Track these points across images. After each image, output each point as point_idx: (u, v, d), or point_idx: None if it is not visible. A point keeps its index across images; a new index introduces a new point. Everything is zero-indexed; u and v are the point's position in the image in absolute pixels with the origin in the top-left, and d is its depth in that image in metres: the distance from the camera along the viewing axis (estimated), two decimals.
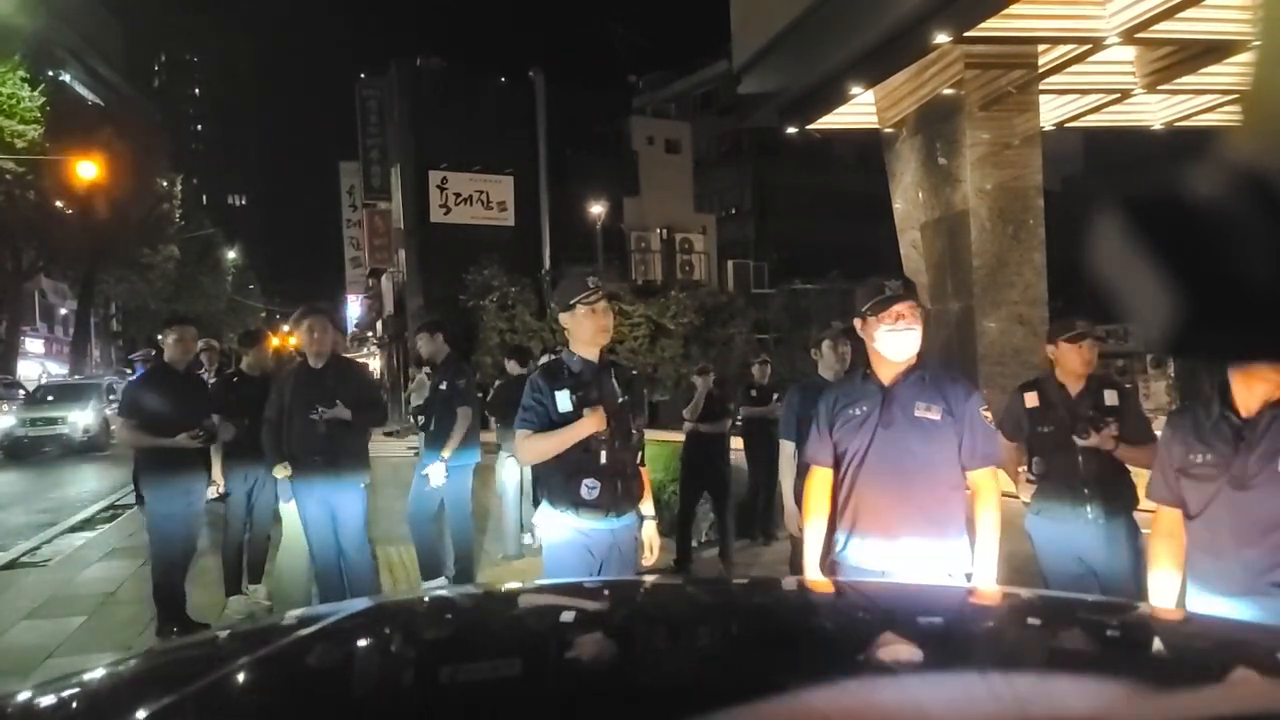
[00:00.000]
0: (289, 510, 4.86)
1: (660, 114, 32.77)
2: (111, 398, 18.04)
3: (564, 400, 3.17)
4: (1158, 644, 1.43)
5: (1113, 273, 0.62)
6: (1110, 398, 3.57)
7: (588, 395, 3.19)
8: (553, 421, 3.17)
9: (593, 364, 3.26)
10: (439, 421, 5.79)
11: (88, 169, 19.94)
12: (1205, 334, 0.60)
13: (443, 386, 5.86)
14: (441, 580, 5.76)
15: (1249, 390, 2.36)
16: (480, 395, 6.88)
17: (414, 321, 21.19)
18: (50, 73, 24.75)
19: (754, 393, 7.63)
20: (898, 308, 2.68)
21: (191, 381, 5.19)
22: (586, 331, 3.23)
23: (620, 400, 3.25)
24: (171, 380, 5.01)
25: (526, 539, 7.12)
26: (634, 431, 3.33)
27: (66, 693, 1.22)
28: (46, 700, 1.19)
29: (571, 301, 3.20)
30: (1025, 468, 3.71)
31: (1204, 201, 0.59)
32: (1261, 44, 0.63)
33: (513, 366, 7.51)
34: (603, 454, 3.17)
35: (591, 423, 3.12)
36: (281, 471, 4.73)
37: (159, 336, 5.26)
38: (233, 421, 5.62)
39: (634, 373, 3.53)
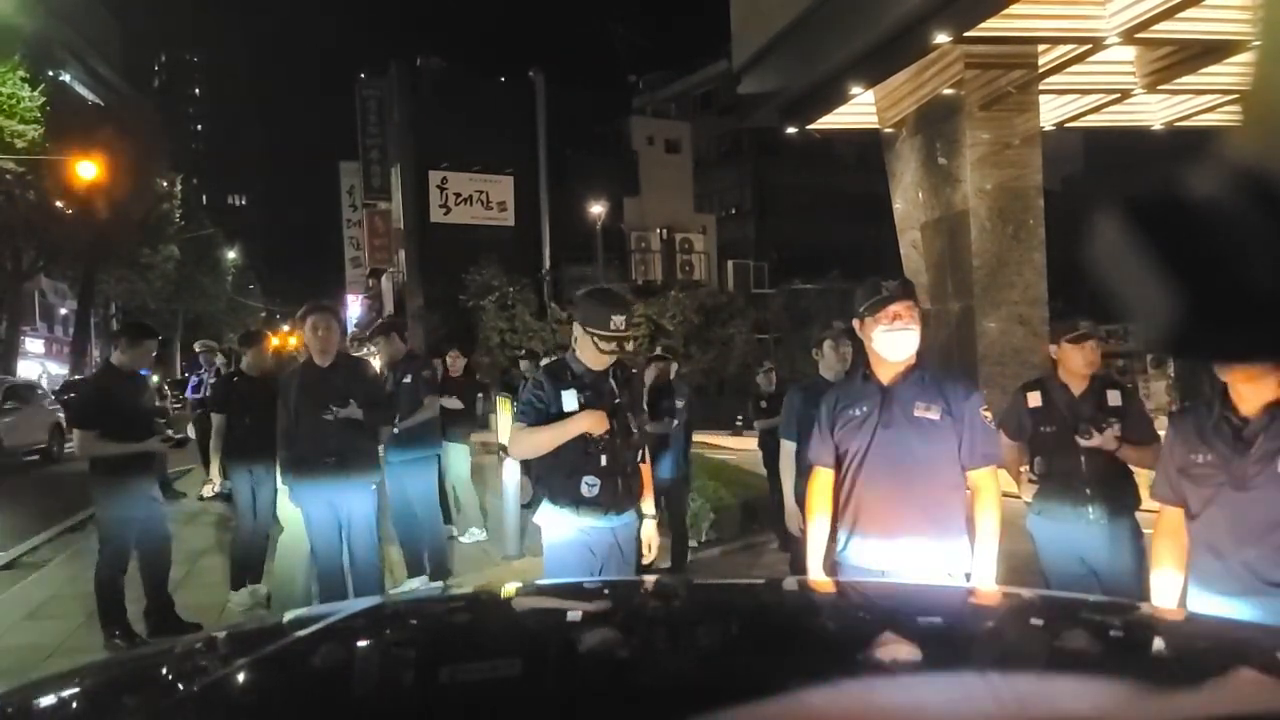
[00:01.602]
0: (289, 512, 4.85)
1: (660, 114, 32.77)
2: (10, 405, 14.52)
3: (570, 399, 3.18)
4: (1158, 644, 1.43)
5: (1113, 272, 0.62)
6: (1113, 398, 3.56)
7: (592, 396, 3.20)
8: (551, 419, 3.18)
9: (594, 367, 3.27)
10: (404, 418, 5.73)
11: (88, 169, 19.92)
12: (1205, 334, 0.60)
13: (406, 380, 5.85)
14: (423, 579, 5.74)
15: (1249, 390, 2.36)
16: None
17: (414, 322, 21.19)
18: (50, 73, 24.72)
19: (764, 404, 7.42)
20: (894, 308, 2.69)
21: (138, 383, 5.09)
22: (588, 354, 3.24)
23: (618, 401, 3.25)
24: (122, 384, 4.90)
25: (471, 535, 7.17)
26: (634, 431, 3.33)
27: (66, 693, 1.22)
28: (46, 700, 1.19)
29: (588, 328, 3.20)
30: (1027, 467, 3.70)
31: (1204, 201, 0.59)
32: (1261, 44, 0.63)
33: (459, 365, 7.45)
34: (603, 454, 3.17)
35: (587, 421, 3.12)
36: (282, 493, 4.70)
37: (122, 339, 5.11)
38: (234, 421, 5.64)
39: (634, 371, 3.53)
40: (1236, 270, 0.58)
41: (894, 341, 2.71)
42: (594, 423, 3.13)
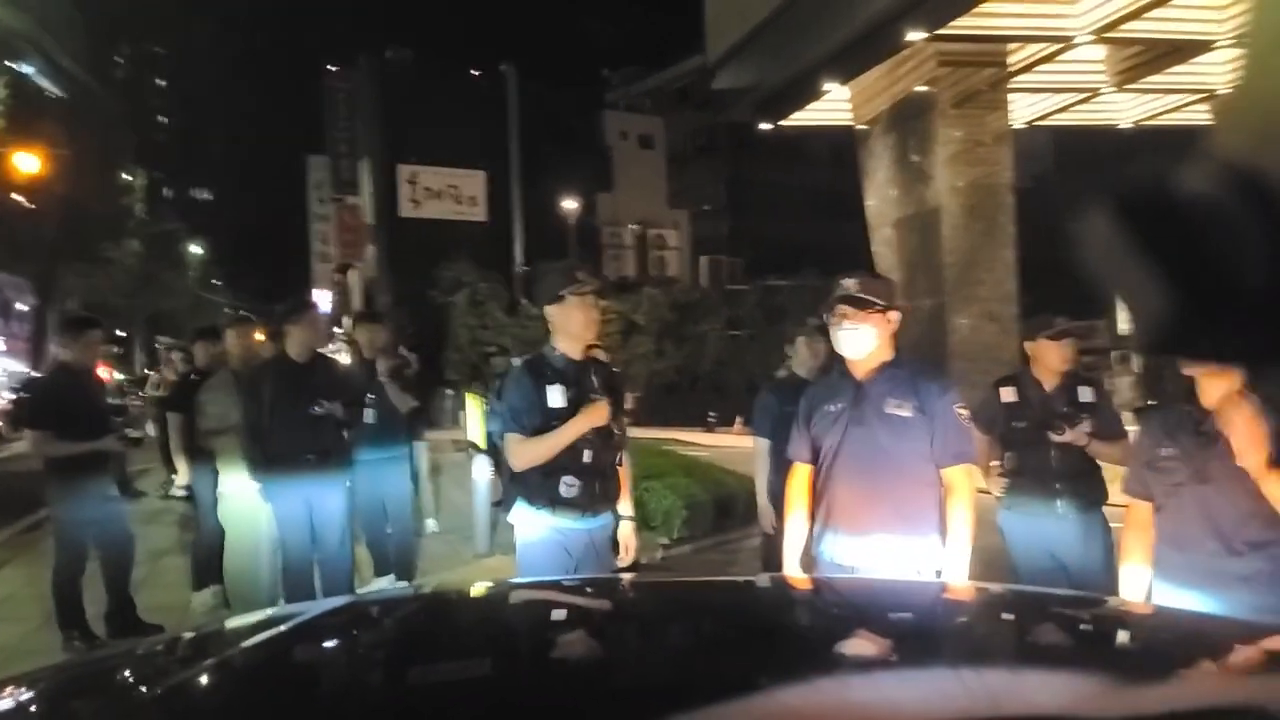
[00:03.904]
0: (233, 510, 4.78)
1: (634, 109, 32.78)
2: None
3: (555, 395, 3.10)
4: (1126, 638, 1.45)
5: (1096, 268, 0.61)
6: (1085, 394, 3.60)
7: (577, 392, 3.13)
8: (544, 420, 3.11)
9: (575, 361, 3.20)
10: (381, 415, 5.59)
11: (47, 163, 19.53)
12: (1188, 332, 0.60)
13: (389, 379, 5.77)
14: (390, 578, 5.68)
15: (1212, 386, 2.39)
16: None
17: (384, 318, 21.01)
18: (10, 64, 24.20)
19: None
20: (840, 306, 2.71)
21: (92, 382, 5.00)
22: (576, 324, 3.15)
23: (601, 399, 3.20)
24: (77, 383, 4.79)
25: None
26: (615, 431, 3.29)
27: (24, 697, 1.18)
28: (2, 705, 1.15)
29: (561, 293, 3.13)
30: (996, 462, 3.73)
31: (1187, 198, 0.59)
32: (1250, 42, 0.62)
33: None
34: (586, 453, 3.11)
35: (588, 418, 3.07)
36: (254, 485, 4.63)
37: (66, 334, 4.99)
38: (195, 419, 5.53)
39: (615, 370, 3.48)
40: (1220, 269, 0.57)
41: (840, 339, 2.74)
42: (596, 417, 3.09)
